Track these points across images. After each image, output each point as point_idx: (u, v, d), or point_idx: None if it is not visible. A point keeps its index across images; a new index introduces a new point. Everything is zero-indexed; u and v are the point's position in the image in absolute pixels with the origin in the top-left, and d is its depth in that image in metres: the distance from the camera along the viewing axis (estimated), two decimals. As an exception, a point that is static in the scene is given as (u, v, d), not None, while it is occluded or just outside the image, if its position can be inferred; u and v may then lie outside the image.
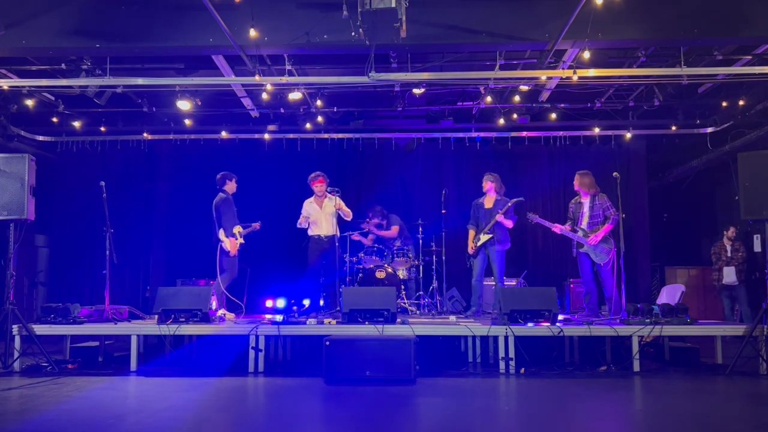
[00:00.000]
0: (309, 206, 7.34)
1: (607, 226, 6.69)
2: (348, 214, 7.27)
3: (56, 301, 6.31)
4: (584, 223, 6.84)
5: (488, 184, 7.23)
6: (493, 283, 7.20)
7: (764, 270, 5.95)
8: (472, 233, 7.22)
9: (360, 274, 7.56)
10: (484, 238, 7.04)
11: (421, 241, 7.90)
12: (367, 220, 8.20)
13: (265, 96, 7.48)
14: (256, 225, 7.32)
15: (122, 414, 4.07)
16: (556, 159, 9.78)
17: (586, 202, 6.89)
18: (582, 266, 6.86)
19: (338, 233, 7.30)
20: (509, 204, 7.01)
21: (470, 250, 7.19)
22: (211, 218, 7.03)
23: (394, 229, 8.24)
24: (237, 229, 6.94)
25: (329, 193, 7.21)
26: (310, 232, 7.29)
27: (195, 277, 8.42)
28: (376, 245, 7.94)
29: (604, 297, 6.84)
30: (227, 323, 6.24)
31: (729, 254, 8.46)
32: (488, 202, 7.21)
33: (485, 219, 7.11)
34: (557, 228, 6.89)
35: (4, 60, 6.66)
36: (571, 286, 8.51)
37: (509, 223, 7.05)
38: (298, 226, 7.32)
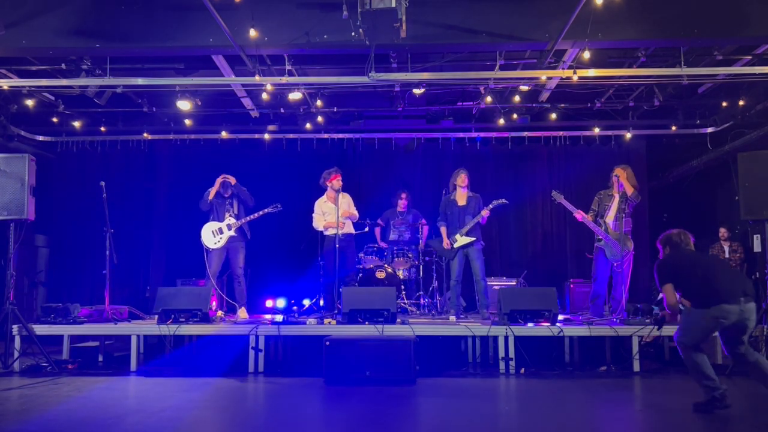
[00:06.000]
0: (324, 206, 7.17)
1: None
2: (355, 217, 7.22)
3: (56, 301, 6.31)
4: (609, 216, 6.69)
5: (466, 180, 6.98)
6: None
7: (764, 270, 5.95)
8: (444, 230, 7.01)
9: (360, 274, 7.55)
10: (463, 240, 6.82)
11: (421, 241, 7.90)
12: (402, 197, 8.15)
13: (265, 96, 7.47)
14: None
15: (122, 414, 4.08)
16: (556, 159, 9.78)
17: (617, 195, 6.73)
18: (597, 263, 6.70)
19: (353, 231, 7.26)
20: (492, 205, 6.82)
21: (446, 245, 6.92)
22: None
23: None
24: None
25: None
26: (326, 232, 7.15)
27: (195, 277, 8.40)
28: (376, 245, 7.93)
29: (609, 298, 6.75)
30: (227, 323, 6.24)
31: (726, 255, 8.45)
32: (461, 199, 7.01)
33: (459, 218, 6.91)
34: (579, 215, 6.72)
35: (4, 60, 6.65)
36: (571, 286, 8.48)
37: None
38: (317, 228, 7.18)
